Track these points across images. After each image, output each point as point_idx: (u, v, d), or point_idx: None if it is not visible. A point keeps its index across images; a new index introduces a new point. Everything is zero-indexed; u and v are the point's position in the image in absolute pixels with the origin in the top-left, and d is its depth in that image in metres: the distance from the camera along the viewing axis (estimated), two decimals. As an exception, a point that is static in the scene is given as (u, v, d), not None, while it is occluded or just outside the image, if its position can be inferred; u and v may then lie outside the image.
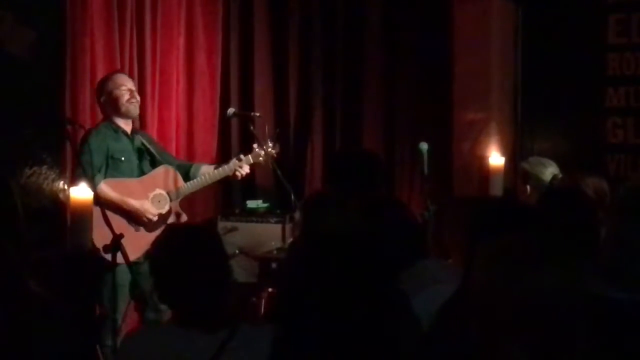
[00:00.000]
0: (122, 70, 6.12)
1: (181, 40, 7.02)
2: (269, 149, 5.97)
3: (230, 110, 6.43)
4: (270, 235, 6.50)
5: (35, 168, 5.52)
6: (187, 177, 5.92)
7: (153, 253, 3.11)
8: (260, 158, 5.97)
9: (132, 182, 5.71)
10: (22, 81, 5.57)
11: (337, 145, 7.46)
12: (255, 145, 6.01)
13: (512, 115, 7.18)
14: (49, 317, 2.29)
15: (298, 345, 2.08)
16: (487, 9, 7.03)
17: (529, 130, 7.11)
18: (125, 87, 5.71)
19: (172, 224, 5.52)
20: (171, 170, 5.84)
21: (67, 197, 5.20)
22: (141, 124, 6.53)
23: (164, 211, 5.75)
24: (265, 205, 7.03)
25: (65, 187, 5.55)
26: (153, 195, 5.73)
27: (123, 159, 5.69)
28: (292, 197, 5.87)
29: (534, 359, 1.96)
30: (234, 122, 7.27)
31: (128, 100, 5.70)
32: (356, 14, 7.45)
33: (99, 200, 5.24)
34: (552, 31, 6.94)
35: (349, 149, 7.19)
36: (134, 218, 5.65)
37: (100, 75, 6.15)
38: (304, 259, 2.19)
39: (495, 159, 6.73)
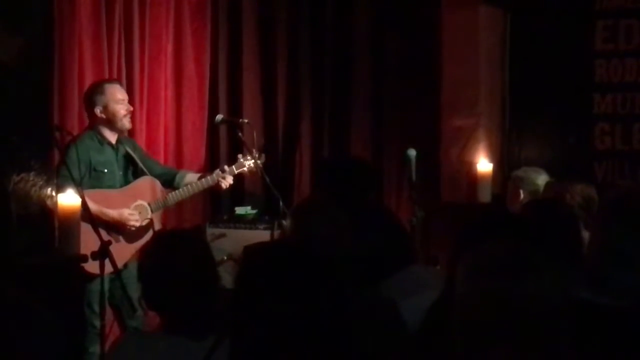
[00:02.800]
0: (114, 79, 6.10)
1: (169, 47, 7.02)
2: (254, 160, 5.96)
3: (219, 117, 6.42)
4: (259, 241, 6.49)
5: (22, 175, 5.50)
6: (171, 185, 5.90)
7: (141, 259, 3.11)
8: (245, 168, 5.97)
9: (113, 193, 5.67)
10: (10, 88, 5.55)
11: (325, 152, 7.46)
12: (239, 156, 6.01)
13: (500, 121, 7.20)
14: (33, 323, 2.28)
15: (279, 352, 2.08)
16: (475, 16, 7.05)
17: (517, 137, 7.13)
18: (122, 101, 5.70)
19: (160, 230, 5.50)
20: (153, 181, 5.81)
21: (55, 204, 5.18)
22: (129, 131, 6.51)
23: (145, 222, 5.72)
24: (254, 211, 7.02)
25: (53, 193, 5.53)
26: (134, 206, 5.69)
27: (106, 170, 5.66)
28: (281, 203, 5.85)
29: None
30: (222, 129, 7.27)
31: (125, 116, 5.70)
32: (344, 20, 7.46)
33: None
34: (540, 38, 6.96)
35: (338, 155, 7.19)
36: (114, 228, 5.60)
37: (88, 82, 6.14)
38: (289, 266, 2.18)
39: (483, 165, 6.76)
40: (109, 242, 4.56)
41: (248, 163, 5.97)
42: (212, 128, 7.20)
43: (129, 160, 5.81)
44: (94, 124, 5.74)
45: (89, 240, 4.94)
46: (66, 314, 5.25)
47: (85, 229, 4.98)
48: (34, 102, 5.75)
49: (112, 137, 5.74)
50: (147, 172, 5.82)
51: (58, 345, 2.32)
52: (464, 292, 2.04)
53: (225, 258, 6.12)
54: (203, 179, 5.90)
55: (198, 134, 7.26)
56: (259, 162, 5.98)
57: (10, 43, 5.55)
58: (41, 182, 5.61)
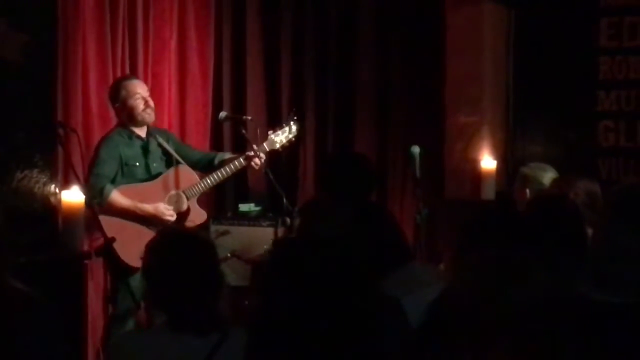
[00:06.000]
0: (134, 75, 6.14)
1: (173, 44, 7.01)
2: (285, 133, 6.02)
3: (223, 114, 6.41)
4: (262, 238, 6.49)
5: (26, 172, 5.51)
6: (212, 168, 5.92)
7: (145, 257, 3.11)
8: (277, 145, 6.01)
9: (146, 186, 5.72)
10: (14, 85, 5.56)
11: (329, 149, 7.46)
12: (270, 132, 6.04)
13: (504, 118, 7.19)
14: (33, 315, 2.29)
15: (282, 350, 2.08)
16: (479, 13, 7.04)
17: (521, 134, 7.13)
18: (140, 95, 5.75)
19: (164, 229, 5.52)
20: (185, 168, 5.84)
21: (59, 200, 5.19)
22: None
23: (183, 210, 5.76)
24: (258, 208, 7.02)
25: (57, 190, 5.55)
26: (169, 196, 5.74)
27: (138, 164, 5.73)
28: (284, 200, 5.86)
29: None
30: (226, 126, 7.26)
31: (143, 109, 5.74)
32: (348, 16, 7.46)
33: (111, 209, 5.33)
34: (544, 35, 6.96)
35: (341, 152, 7.19)
36: (152, 222, 5.65)
37: (92, 79, 6.18)
38: (291, 264, 2.18)
39: (487, 162, 6.75)
40: (113, 239, 4.57)
41: (279, 139, 6.01)
42: (216, 125, 7.20)
43: (162, 151, 5.85)
44: (120, 121, 5.82)
45: (124, 234, 5.14)
46: (68, 311, 5.27)
47: (118, 223, 5.23)
48: (37, 99, 5.76)
49: (140, 131, 5.82)
50: (183, 161, 5.86)
51: (58, 340, 2.33)
52: (465, 292, 2.04)
53: (229, 255, 6.13)
54: (235, 161, 5.89)
55: (202, 130, 7.26)
56: (290, 136, 6.03)
57: (14, 40, 5.56)
58: (45, 179, 5.62)
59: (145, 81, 6.70)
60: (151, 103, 5.82)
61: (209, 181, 5.85)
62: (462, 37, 7.04)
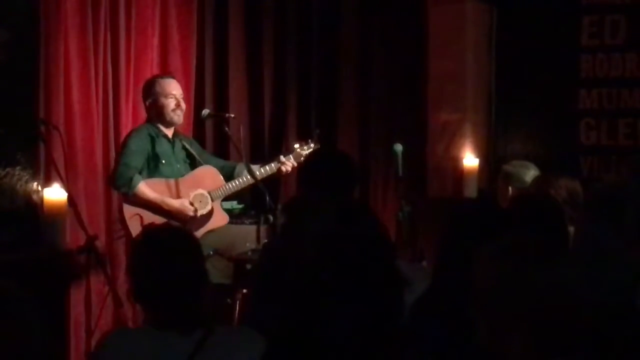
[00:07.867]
0: (170, 73, 6.16)
1: (155, 41, 6.99)
2: (311, 149, 6.07)
3: (205, 112, 6.42)
4: (245, 236, 6.48)
5: (8, 169, 5.49)
6: (232, 177, 5.95)
7: (131, 254, 3.10)
8: (302, 158, 6.02)
9: (172, 182, 5.77)
10: (-5, 82, 5.55)
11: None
12: (296, 146, 6.07)
13: (486, 116, 7.21)
14: (14, 312, 2.28)
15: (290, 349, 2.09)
16: (461, 11, 7.05)
17: (503, 132, 7.15)
18: (173, 95, 5.82)
19: (150, 225, 5.51)
20: (212, 170, 5.89)
21: (41, 198, 5.17)
22: (116, 125, 6.51)
23: (205, 211, 5.78)
24: (240, 206, 7.01)
25: (39, 188, 5.53)
26: (194, 195, 5.77)
27: (164, 161, 5.78)
28: (267, 198, 5.86)
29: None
30: (209, 123, 7.26)
31: (173, 110, 5.83)
32: (331, 16, 7.46)
33: (137, 200, 5.36)
34: (526, 33, 6.98)
35: (323, 150, 7.18)
36: (175, 217, 5.66)
37: (74, 76, 6.15)
38: (293, 263, 2.18)
39: (470, 160, 6.77)
40: (95, 237, 4.56)
41: (305, 153, 6.03)
42: (198, 122, 7.18)
43: (186, 154, 5.91)
44: (149, 118, 5.91)
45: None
46: (50, 309, 5.25)
47: (140, 214, 5.47)
48: (19, 96, 5.74)
49: (167, 131, 5.91)
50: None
51: (41, 337, 2.33)
52: (487, 277, 2.03)
53: (211, 253, 6.12)
54: (267, 166, 5.96)
55: (184, 128, 7.22)
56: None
57: (-5, 36, 5.54)
58: (27, 176, 5.60)
59: (128, 78, 6.70)
60: (183, 105, 5.90)
61: (235, 184, 5.88)
62: (444, 35, 7.05)
